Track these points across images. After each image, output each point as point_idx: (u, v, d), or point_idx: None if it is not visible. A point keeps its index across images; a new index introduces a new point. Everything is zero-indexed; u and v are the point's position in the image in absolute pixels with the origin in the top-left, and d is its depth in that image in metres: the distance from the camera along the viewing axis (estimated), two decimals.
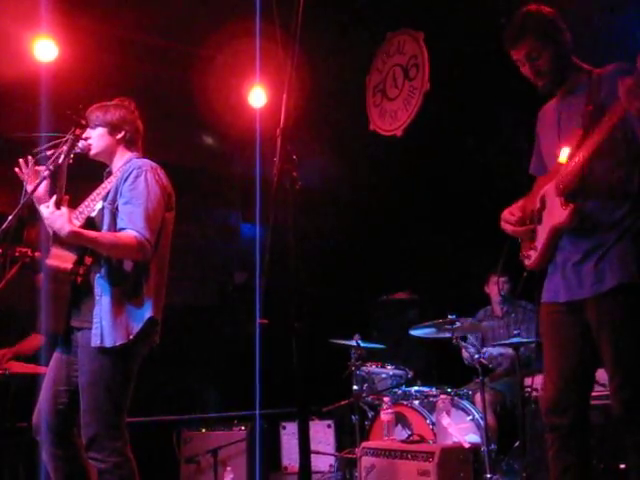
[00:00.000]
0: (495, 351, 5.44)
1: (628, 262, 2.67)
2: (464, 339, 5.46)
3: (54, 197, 3.03)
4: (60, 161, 3.07)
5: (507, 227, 3.00)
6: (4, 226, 3.22)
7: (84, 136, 3.36)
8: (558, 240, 2.83)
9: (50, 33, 5.59)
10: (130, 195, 3.17)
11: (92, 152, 3.39)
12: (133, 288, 3.14)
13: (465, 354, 5.46)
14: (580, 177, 2.69)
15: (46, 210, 3.02)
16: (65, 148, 3.10)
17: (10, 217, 3.17)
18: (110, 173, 3.41)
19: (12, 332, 5.20)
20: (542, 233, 2.87)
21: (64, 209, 3.00)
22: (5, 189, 3.28)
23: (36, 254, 3.91)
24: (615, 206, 2.73)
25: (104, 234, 3.11)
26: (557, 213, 2.78)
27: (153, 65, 6.31)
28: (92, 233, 3.07)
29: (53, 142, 3.18)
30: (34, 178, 3.23)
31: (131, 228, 3.09)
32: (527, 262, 2.98)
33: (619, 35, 4.52)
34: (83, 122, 3.15)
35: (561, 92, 2.91)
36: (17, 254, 3.87)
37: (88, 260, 3.14)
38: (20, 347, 5.08)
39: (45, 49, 5.64)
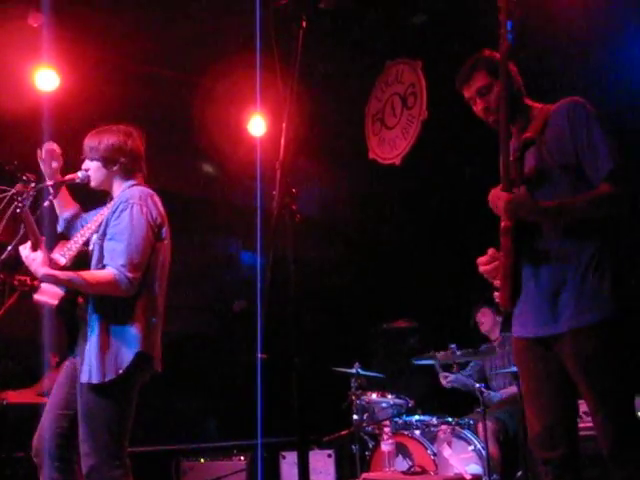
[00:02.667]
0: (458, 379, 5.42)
1: (607, 295, 2.63)
2: (464, 366, 5.44)
3: (29, 241, 3.07)
4: (19, 212, 3.06)
5: (480, 269, 2.94)
6: (3, 256, 3.23)
7: (83, 167, 3.37)
8: (514, 269, 2.71)
9: (51, 63, 5.63)
10: (114, 231, 3.18)
11: (92, 184, 3.40)
12: (121, 324, 3.13)
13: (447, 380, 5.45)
14: (509, 237, 2.67)
15: (23, 252, 3.09)
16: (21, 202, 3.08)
17: (9, 247, 3.18)
18: (112, 200, 3.41)
19: (13, 360, 5.20)
20: (501, 267, 2.79)
21: (39, 253, 3.05)
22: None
23: (35, 282, 3.91)
24: (563, 231, 2.69)
25: (81, 274, 3.11)
26: (504, 242, 2.72)
27: (154, 94, 6.34)
28: (66, 274, 3.10)
29: None
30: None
31: (112, 265, 3.11)
32: (497, 300, 2.90)
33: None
34: (24, 178, 3.10)
35: (515, 132, 2.88)
36: (16, 283, 3.86)
37: (83, 294, 3.17)
38: (39, 388, 5.10)
39: (46, 79, 5.66)
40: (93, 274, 3.15)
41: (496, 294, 2.90)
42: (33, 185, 3.10)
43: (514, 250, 2.69)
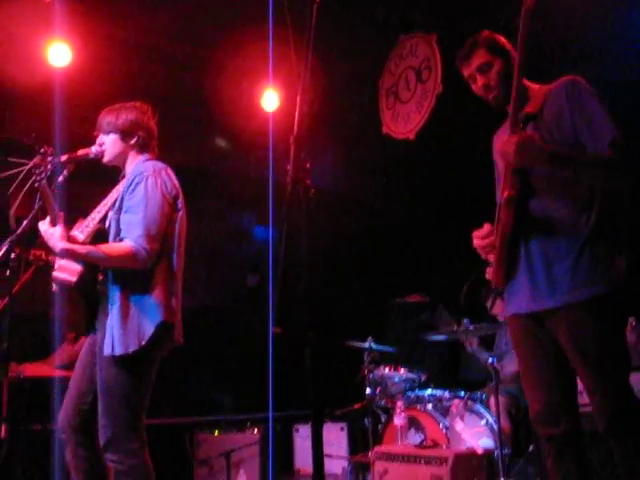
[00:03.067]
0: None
1: (603, 269, 2.62)
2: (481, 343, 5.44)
3: (48, 216, 3.09)
4: (37, 185, 3.07)
5: (475, 242, 2.95)
6: (19, 230, 3.24)
7: (97, 141, 3.38)
8: (511, 246, 2.74)
9: (64, 38, 5.62)
10: (129, 204, 3.20)
11: (105, 159, 3.40)
12: (141, 295, 3.15)
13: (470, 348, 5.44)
14: (512, 181, 2.69)
15: (42, 227, 3.11)
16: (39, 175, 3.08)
17: (25, 221, 3.19)
18: (124, 177, 3.42)
19: (27, 336, 5.25)
20: (496, 243, 2.79)
21: (58, 227, 3.06)
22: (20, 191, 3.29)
23: (50, 257, 3.93)
24: (565, 202, 2.68)
25: (99, 247, 3.13)
26: (503, 216, 2.72)
27: (167, 69, 6.34)
28: (85, 248, 3.11)
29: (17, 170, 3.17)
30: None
31: (129, 238, 3.12)
32: (488, 277, 2.93)
33: None
34: (42, 150, 3.11)
35: (511, 112, 2.85)
36: (31, 257, 3.90)
37: (103, 269, 3.19)
38: (52, 361, 5.15)
39: (59, 54, 5.66)
40: (111, 247, 3.16)
41: (489, 270, 2.90)
42: (51, 158, 3.11)
43: (514, 223, 2.70)
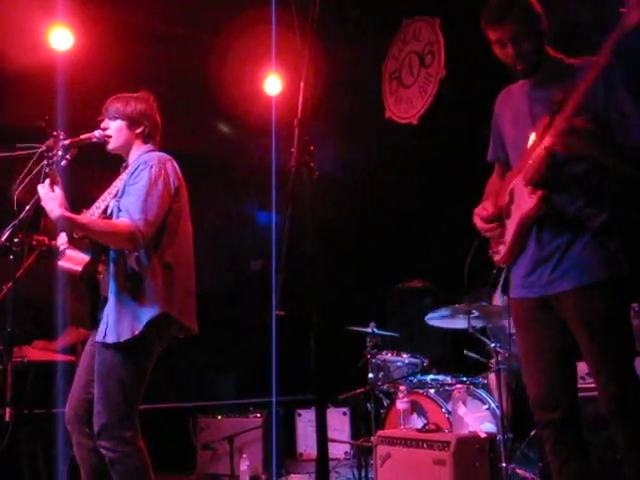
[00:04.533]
0: None
1: (612, 254, 2.65)
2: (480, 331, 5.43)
3: (48, 178, 3.02)
4: (47, 170, 3.05)
5: (477, 222, 2.93)
6: (22, 215, 3.24)
7: (102, 126, 3.37)
8: (527, 232, 2.76)
9: (66, 22, 5.60)
10: (131, 189, 3.19)
11: (110, 146, 3.39)
12: (136, 286, 3.14)
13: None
14: (546, 164, 2.63)
15: (41, 190, 3.02)
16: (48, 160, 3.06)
17: (27, 206, 3.19)
18: (127, 167, 3.41)
19: (31, 321, 5.26)
20: (511, 226, 2.80)
21: (58, 191, 2.99)
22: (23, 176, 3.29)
23: (52, 242, 3.93)
24: (582, 198, 2.68)
25: (96, 221, 3.14)
26: (525, 203, 2.71)
27: (169, 53, 6.31)
28: (83, 218, 3.10)
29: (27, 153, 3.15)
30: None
31: (127, 217, 3.11)
32: (496, 257, 2.91)
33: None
34: (55, 133, 3.09)
35: (533, 79, 2.81)
36: (34, 243, 3.89)
37: (105, 259, 3.19)
38: (58, 343, 5.17)
39: (61, 38, 5.65)
40: (110, 222, 3.15)
41: (494, 251, 2.91)
42: (64, 143, 3.10)
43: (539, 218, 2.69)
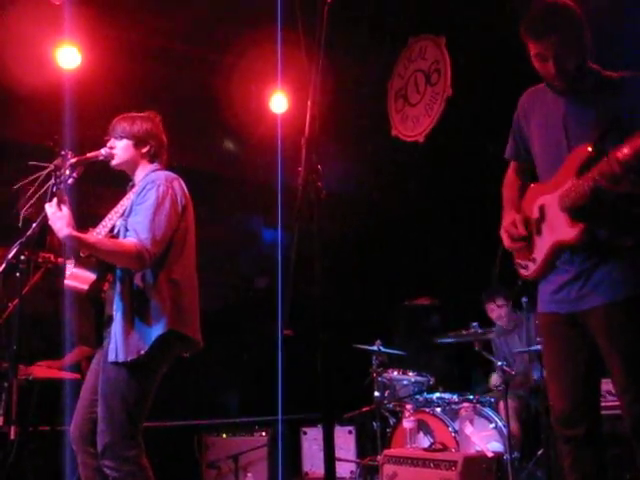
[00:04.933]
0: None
1: (638, 275, 2.63)
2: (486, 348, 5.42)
3: (55, 197, 3.03)
4: (55, 189, 3.06)
5: (505, 238, 2.91)
6: (28, 233, 3.25)
7: (109, 145, 3.38)
8: (560, 255, 2.75)
9: (73, 40, 5.63)
10: (139, 208, 3.20)
11: (114, 162, 3.40)
12: (141, 305, 3.14)
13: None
14: (590, 199, 2.58)
15: (49, 209, 3.03)
16: (55, 180, 3.08)
17: (34, 224, 3.19)
18: (133, 186, 3.42)
19: (36, 338, 5.26)
20: (543, 246, 2.78)
21: (65, 210, 3.00)
22: (30, 194, 3.31)
23: (59, 260, 3.94)
24: (614, 224, 2.67)
25: (103, 240, 3.14)
26: (563, 229, 2.68)
27: (176, 71, 6.34)
28: (90, 238, 3.10)
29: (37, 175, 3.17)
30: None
31: (134, 237, 3.12)
32: (524, 272, 2.90)
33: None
34: (62, 153, 3.10)
35: (568, 94, 2.77)
36: (40, 260, 3.91)
37: (111, 277, 3.19)
38: (64, 361, 5.18)
39: (68, 56, 5.68)
40: (117, 241, 3.16)
41: (520, 265, 2.89)
42: (71, 162, 3.11)
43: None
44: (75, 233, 3.01)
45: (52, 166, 3.06)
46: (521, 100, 2.99)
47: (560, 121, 2.77)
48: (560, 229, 2.70)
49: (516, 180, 3.06)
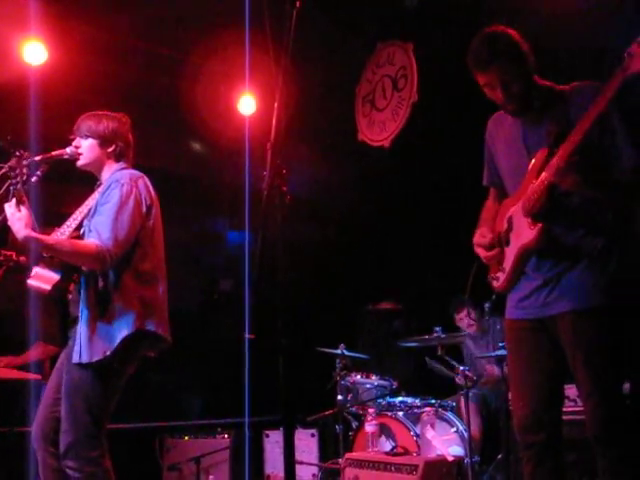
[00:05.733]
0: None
1: (611, 280, 2.68)
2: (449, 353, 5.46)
3: (14, 198, 3.02)
4: (12, 189, 3.03)
5: (480, 251, 2.96)
6: None
7: (74, 144, 3.36)
8: (527, 261, 2.80)
9: (40, 36, 5.57)
10: (102, 209, 3.20)
11: (81, 162, 3.38)
12: (110, 304, 3.13)
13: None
14: (545, 197, 2.66)
15: (8, 210, 3.02)
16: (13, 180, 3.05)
17: None
18: (100, 185, 3.40)
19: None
20: (510, 255, 2.83)
21: (24, 211, 2.99)
22: None
23: (21, 258, 3.90)
24: (580, 228, 2.73)
25: (63, 241, 3.12)
26: (525, 233, 2.74)
27: (143, 71, 6.30)
28: (49, 239, 3.08)
29: None
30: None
31: (96, 237, 3.11)
32: (495, 284, 2.95)
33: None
34: (18, 153, 3.07)
35: (526, 119, 2.87)
36: (2, 258, 3.86)
37: (76, 279, 3.17)
38: (26, 357, 5.12)
39: (34, 52, 5.61)
40: (76, 242, 3.14)
41: (493, 277, 2.93)
42: (27, 162, 3.07)
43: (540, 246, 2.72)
44: (33, 234, 2.99)
45: (6, 167, 3.02)
46: (487, 127, 3.08)
47: (520, 142, 2.86)
48: (523, 234, 2.76)
49: (493, 205, 3.12)
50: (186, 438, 6.02)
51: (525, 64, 2.75)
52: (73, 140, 3.39)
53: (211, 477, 5.51)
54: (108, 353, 3.06)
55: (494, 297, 3.05)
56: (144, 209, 3.27)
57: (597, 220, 2.73)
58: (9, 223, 3.01)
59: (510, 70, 2.70)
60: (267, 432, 6.33)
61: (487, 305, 4.93)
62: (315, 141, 6.86)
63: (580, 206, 2.71)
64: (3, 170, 3.04)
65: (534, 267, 2.80)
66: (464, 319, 5.82)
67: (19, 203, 2.98)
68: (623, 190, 2.67)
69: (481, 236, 2.95)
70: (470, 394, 4.73)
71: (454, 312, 5.94)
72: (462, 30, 5.42)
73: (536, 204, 2.69)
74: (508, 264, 2.84)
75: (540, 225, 2.69)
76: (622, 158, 2.65)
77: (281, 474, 6.13)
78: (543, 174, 2.65)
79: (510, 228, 2.84)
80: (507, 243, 2.86)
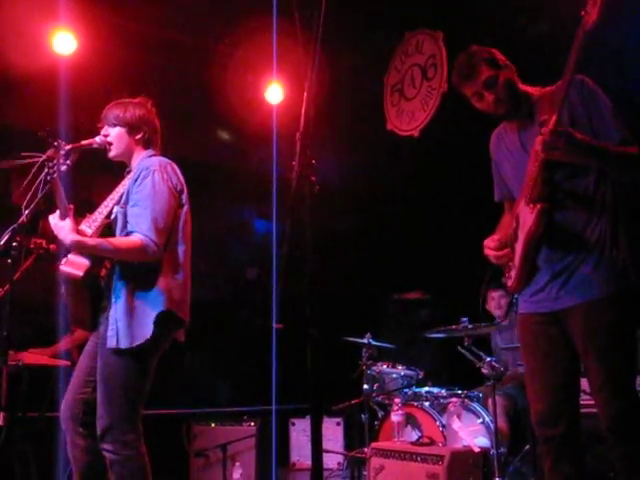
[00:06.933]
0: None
1: (621, 269, 2.69)
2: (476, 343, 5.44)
3: (58, 210, 3.09)
4: (49, 179, 3.07)
5: (489, 253, 2.97)
6: (21, 219, 3.24)
7: (102, 133, 3.38)
8: (534, 251, 2.79)
9: (69, 26, 5.61)
10: (137, 198, 3.22)
11: (112, 153, 3.41)
12: (146, 288, 3.17)
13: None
14: (541, 175, 2.70)
15: (52, 221, 3.12)
16: (50, 170, 3.09)
17: (26, 210, 3.19)
18: (130, 171, 3.43)
19: (27, 324, 5.26)
20: (518, 248, 2.84)
21: (68, 220, 3.07)
22: (22, 181, 3.30)
23: (51, 246, 3.95)
24: (584, 214, 2.74)
25: (108, 240, 3.16)
26: (527, 221, 2.76)
27: (171, 60, 6.32)
28: (95, 240, 3.13)
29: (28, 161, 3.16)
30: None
31: (137, 231, 3.14)
32: (509, 283, 2.94)
33: None
34: (55, 144, 3.10)
35: (517, 123, 2.94)
36: (32, 246, 3.92)
37: (108, 264, 3.21)
38: (55, 348, 5.20)
39: (64, 42, 5.66)
40: (121, 240, 3.18)
41: (507, 277, 2.92)
42: (63, 151, 3.11)
43: (544, 233, 2.73)
44: (79, 239, 3.07)
45: (45, 157, 3.06)
46: (490, 144, 3.15)
47: (519, 144, 2.92)
48: (526, 221, 2.77)
49: (508, 218, 3.11)
50: (213, 425, 6.07)
51: (505, 69, 2.88)
52: (101, 129, 3.42)
53: (237, 464, 5.55)
54: (149, 336, 3.10)
55: (515, 298, 3.05)
56: (177, 194, 3.31)
57: (599, 201, 2.74)
58: (55, 232, 3.11)
59: (491, 73, 2.84)
60: (293, 420, 6.36)
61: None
62: (344, 130, 6.84)
63: (580, 188, 2.74)
64: (42, 159, 3.08)
65: (545, 258, 2.79)
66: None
67: (64, 217, 3.07)
68: (616, 157, 2.68)
69: (490, 240, 2.97)
70: (497, 389, 4.71)
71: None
72: (492, 17, 5.40)
73: (534, 188, 2.72)
74: (517, 258, 2.85)
75: (539, 206, 2.70)
76: (612, 134, 2.69)
77: (307, 462, 6.16)
78: (534, 155, 2.70)
79: (518, 225, 2.85)
80: (516, 239, 2.86)
